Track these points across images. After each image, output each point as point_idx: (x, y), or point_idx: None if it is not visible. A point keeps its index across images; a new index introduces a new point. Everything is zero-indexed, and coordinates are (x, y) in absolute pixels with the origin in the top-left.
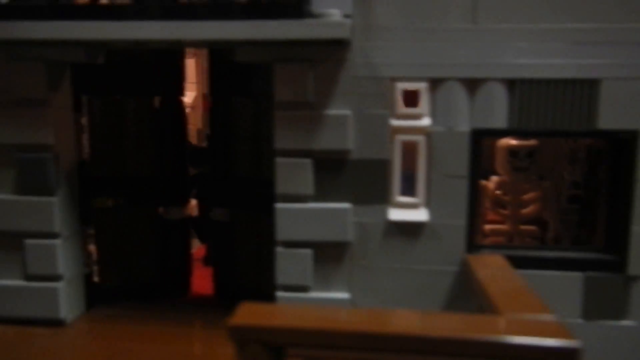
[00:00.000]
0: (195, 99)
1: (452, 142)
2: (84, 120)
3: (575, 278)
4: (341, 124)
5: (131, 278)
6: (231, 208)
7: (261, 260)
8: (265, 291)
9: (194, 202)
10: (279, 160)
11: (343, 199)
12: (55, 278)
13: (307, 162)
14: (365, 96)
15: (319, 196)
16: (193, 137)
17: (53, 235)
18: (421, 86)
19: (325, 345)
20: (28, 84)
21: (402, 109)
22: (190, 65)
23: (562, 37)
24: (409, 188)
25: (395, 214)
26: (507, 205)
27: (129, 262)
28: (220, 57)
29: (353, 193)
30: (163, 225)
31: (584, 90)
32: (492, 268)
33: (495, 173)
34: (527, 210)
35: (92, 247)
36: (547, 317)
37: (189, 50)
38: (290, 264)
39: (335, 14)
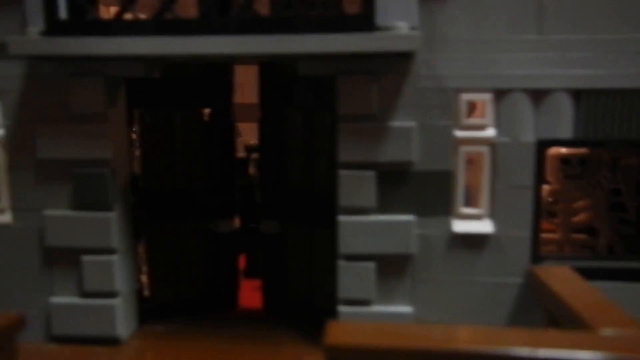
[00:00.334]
0: None
1: (517, 152)
2: (135, 134)
3: None
4: (405, 136)
5: (180, 292)
6: (281, 220)
7: (313, 273)
8: (317, 305)
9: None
10: (342, 172)
11: (406, 210)
12: (112, 295)
13: (371, 174)
14: (429, 108)
15: (382, 208)
16: None
17: (110, 251)
18: (486, 97)
19: None
20: (87, 99)
21: (466, 120)
22: None
23: (628, 47)
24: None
25: (459, 226)
26: (558, 214)
27: (179, 276)
28: (270, 68)
29: (416, 205)
30: (212, 238)
31: None
32: (564, 280)
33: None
34: (578, 218)
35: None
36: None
37: None
38: (352, 278)
39: (403, 26)
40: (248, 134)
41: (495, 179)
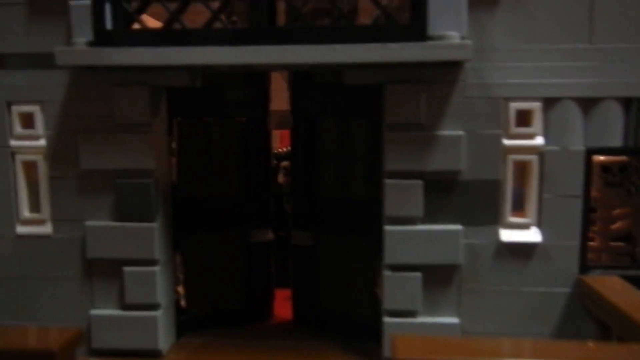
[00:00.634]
0: None
1: (567, 161)
2: (174, 143)
3: None
4: (454, 145)
5: (217, 303)
6: (314, 231)
7: (347, 284)
8: (351, 316)
9: None
10: (389, 181)
11: (453, 220)
12: (154, 307)
13: (418, 183)
14: (478, 116)
15: (429, 218)
16: None
17: (153, 262)
18: (535, 106)
19: None
20: (132, 109)
21: (515, 128)
22: None
23: None
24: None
25: (507, 235)
26: (596, 221)
27: (215, 287)
28: (303, 76)
29: (463, 214)
30: (248, 248)
31: None
32: (618, 290)
33: None
34: (616, 226)
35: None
36: None
37: None
38: (398, 289)
39: (454, 36)
40: (274, 141)
41: (543, 187)
